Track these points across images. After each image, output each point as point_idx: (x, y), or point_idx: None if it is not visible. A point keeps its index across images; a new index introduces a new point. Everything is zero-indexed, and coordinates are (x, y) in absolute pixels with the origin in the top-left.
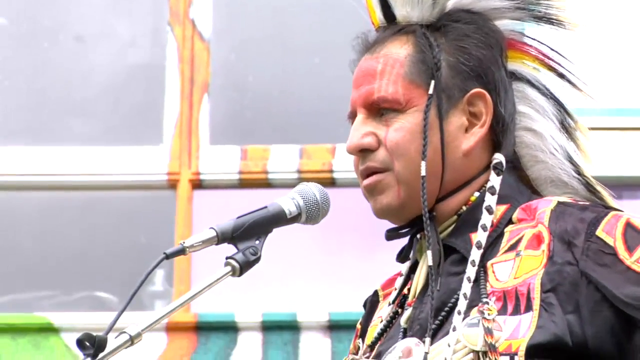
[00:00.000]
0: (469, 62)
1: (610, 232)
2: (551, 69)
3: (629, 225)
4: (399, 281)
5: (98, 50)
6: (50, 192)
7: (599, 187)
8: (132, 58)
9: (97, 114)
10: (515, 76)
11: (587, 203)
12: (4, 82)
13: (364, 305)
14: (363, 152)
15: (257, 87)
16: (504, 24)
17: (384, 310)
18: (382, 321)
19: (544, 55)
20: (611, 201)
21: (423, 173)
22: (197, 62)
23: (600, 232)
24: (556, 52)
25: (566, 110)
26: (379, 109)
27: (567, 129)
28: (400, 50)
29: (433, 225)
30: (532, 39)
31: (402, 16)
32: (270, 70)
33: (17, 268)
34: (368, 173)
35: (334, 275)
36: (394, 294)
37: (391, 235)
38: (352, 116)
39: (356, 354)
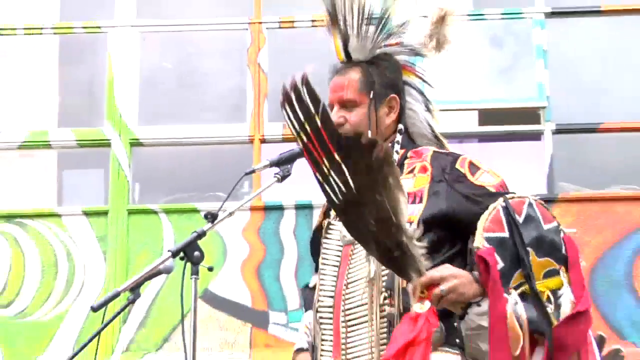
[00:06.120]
0: (388, 81)
1: (462, 165)
2: (418, 76)
3: (471, 163)
4: None
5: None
6: None
7: (442, 138)
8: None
9: None
10: (406, 83)
11: (448, 151)
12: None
13: None
14: (338, 125)
15: None
16: (401, 58)
17: None
18: None
19: (415, 71)
20: (447, 145)
21: (369, 136)
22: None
23: (457, 165)
24: (420, 68)
25: (427, 98)
26: (345, 104)
27: (429, 108)
28: (355, 75)
29: None
30: (412, 63)
31: (355, 58)
32: None
33: None
34: None
35: None
36: None
37: None
38: (331, 107)
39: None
